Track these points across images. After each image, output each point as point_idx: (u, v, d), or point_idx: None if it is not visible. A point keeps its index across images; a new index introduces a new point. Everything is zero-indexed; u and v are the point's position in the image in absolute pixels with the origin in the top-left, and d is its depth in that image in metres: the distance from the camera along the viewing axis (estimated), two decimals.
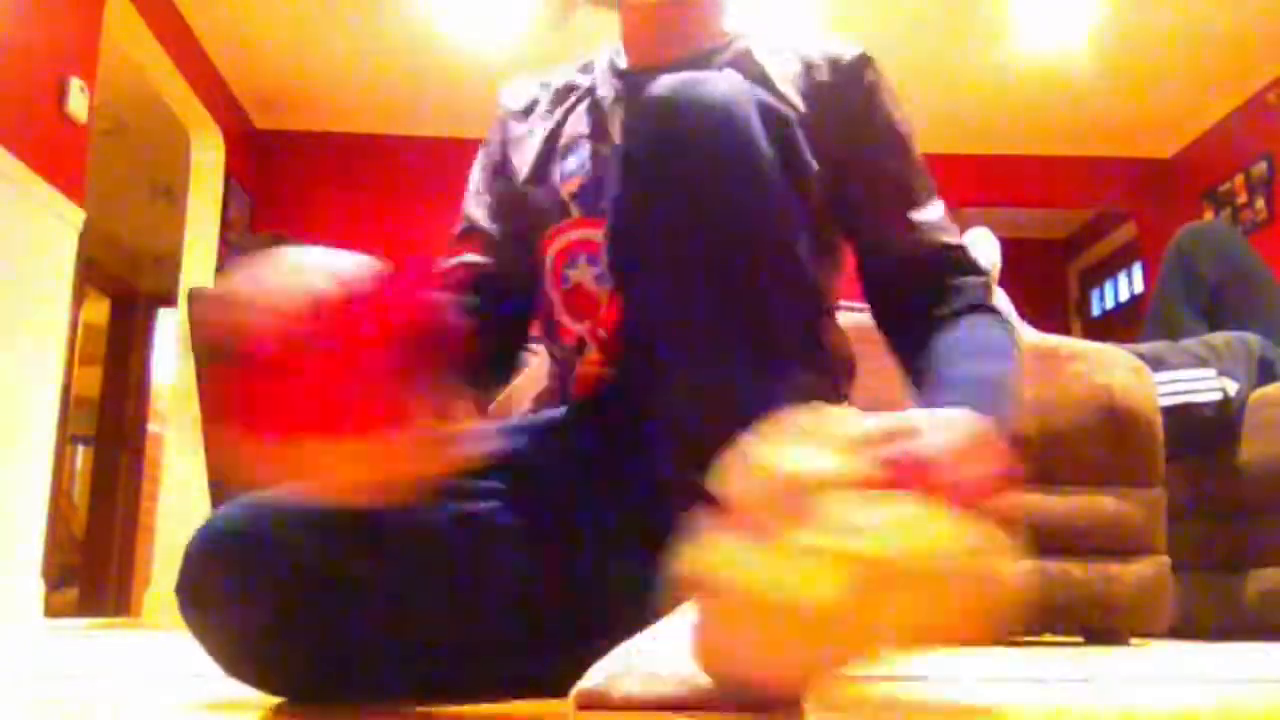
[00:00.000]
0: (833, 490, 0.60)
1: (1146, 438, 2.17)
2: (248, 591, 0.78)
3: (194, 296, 2.41)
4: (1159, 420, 2.19)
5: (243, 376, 0.63)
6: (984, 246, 2.76)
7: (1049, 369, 2.16)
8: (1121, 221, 6.48)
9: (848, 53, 0.99)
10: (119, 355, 6.95)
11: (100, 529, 6.73)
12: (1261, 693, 0.97)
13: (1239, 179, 5.38)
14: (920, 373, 0.89)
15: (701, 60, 1.01)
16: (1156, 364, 2.42)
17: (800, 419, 0.65)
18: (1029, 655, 1.65)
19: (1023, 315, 2.79)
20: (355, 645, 0.82)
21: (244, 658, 0.80)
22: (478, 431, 0.95)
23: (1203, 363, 2.51)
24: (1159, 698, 0.90)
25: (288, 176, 5.76)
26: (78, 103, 3.55)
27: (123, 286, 7.01)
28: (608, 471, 0.91)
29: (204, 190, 5.12)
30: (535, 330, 1.10)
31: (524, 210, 1.05)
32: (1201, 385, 2.47)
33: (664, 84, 0.77)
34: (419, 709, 0.79)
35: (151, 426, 7.00)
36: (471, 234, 1.08)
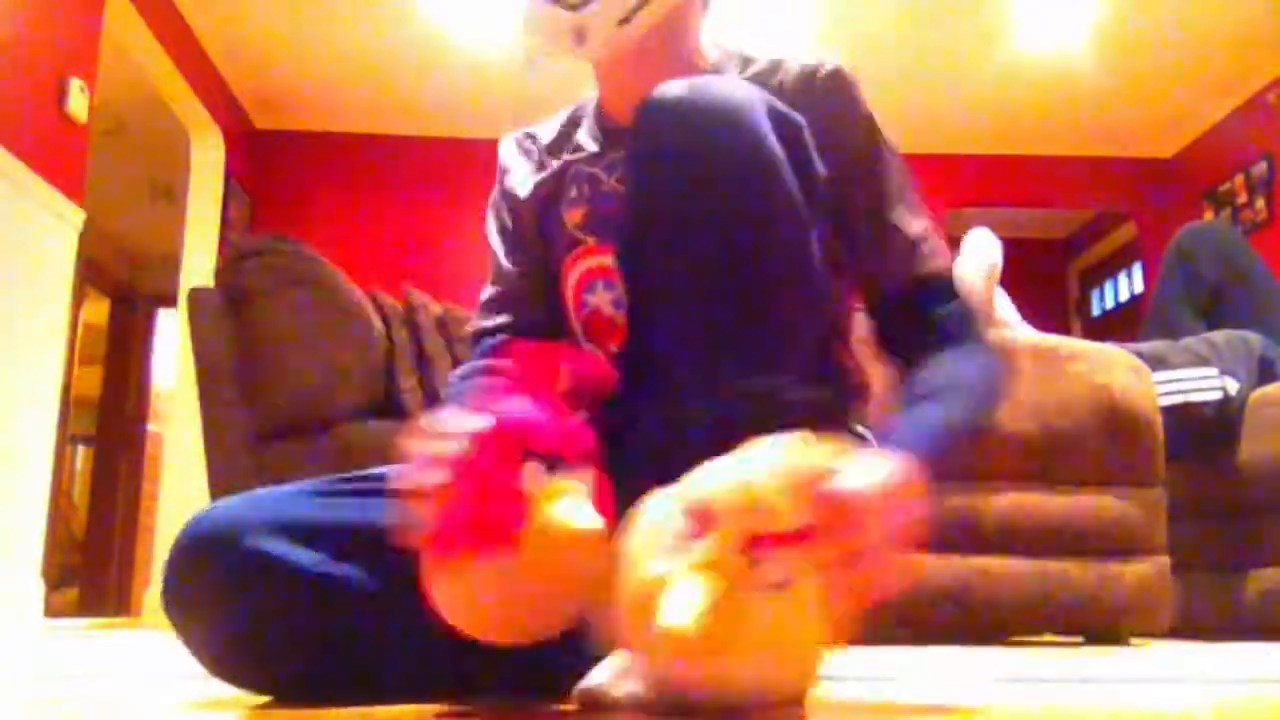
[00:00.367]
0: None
1: (1146, 438, 2.17)
2: (227, 592, 0.78)
3: (194, 296, 2.41)
4: (1159, 420, 2.19)
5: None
6: (984, 246, 2.75)
7: (1049, 369, 2.16)
8: (1121, 221, 6.48)
9: (825, 66, 0.97)
10: (119, 355, 6.95)
11: (100, 529, 6.73)
12: (1261, 693, 0.97)
13: (1239, 179, 5.38)
14: (912, 396, 0.88)
15: None
16: (1157, 363, 2.42)
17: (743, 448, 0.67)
18: (1029, 655, 1.65)
19: (1023, 315, 2.79)
20: (347, 646, 0.82)
21: (224, 658, 0.80)
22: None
23: (1204, 361, 2.51)
24: (1159, 698, 0.90)
25: (288, 176, 5.76)
26: (78, 103, 3.55)
27: (123, 286, 7.01)
28: (613, 476, 0.91)
29: (204, 190, 5.12)
30: None
31: (539, 252, 1.05)
32: (1203, 384, 2.47)
33: (675, 88, 0.77)
34: (417, 709, 0.79)
35: (151, 426, 7.00)
36: (507, 297, 1.08)
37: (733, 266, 0.75)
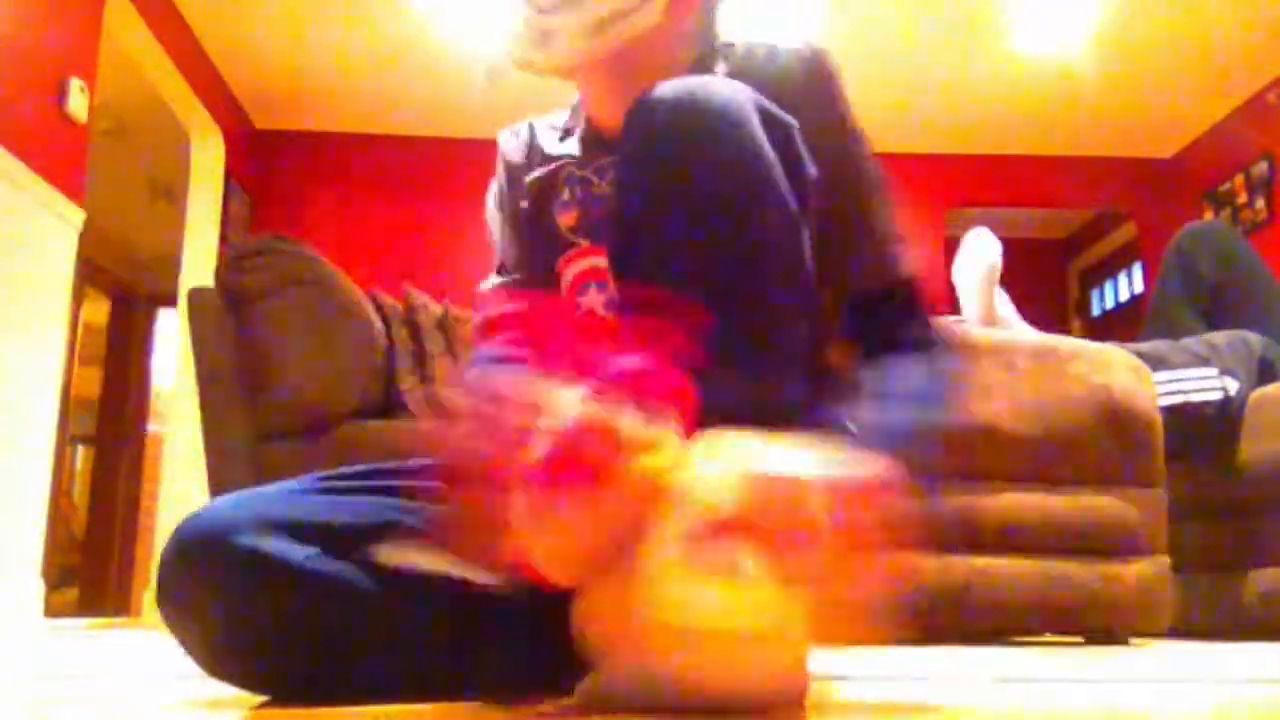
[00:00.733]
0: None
1: (1146, 438, 2.17)
2: (220, 590, 0.78)
3: (194, 296, 2.41)
4: (1159, 420, 2.19)
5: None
6: (984, 246, 2.75)
7: (1049, 369, 2.16)
8: (1121, 221, 6.48)
9: (803, 54, 0.97)
10: (119, 355, 6.95)
11: (100, 529, 6.73)
12: (1261, 693, 0.97)
13: (1239, 179, 5.38)
14: (858, 401, 0.88)
15: None
16: (1157, 363, 2.42)
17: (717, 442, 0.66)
18: (1029, 655, 1.65)
19: (1023, 315, 2.79)
20: (342, 644, 0.81)
21: (219, 657, 0.80)
22: None
23: (1204, 361, 2.51)
24: (1159, 698, 0.90)
25: (288, 176, 5.76)
26: (78, 103, 3.55)
27: (123, 286, 7.01)
28: None
29: (204, 190, 5.12)
30: None
31: (535, 247, 1.06)
32: (1203, 384, 2.47)
33: (667, 90, 0.77)
34: (413, 707, 0.79)
35: (151, 426, 7.00)
36: (517, 285, 1.08)
37: (725, 269, 0.75)
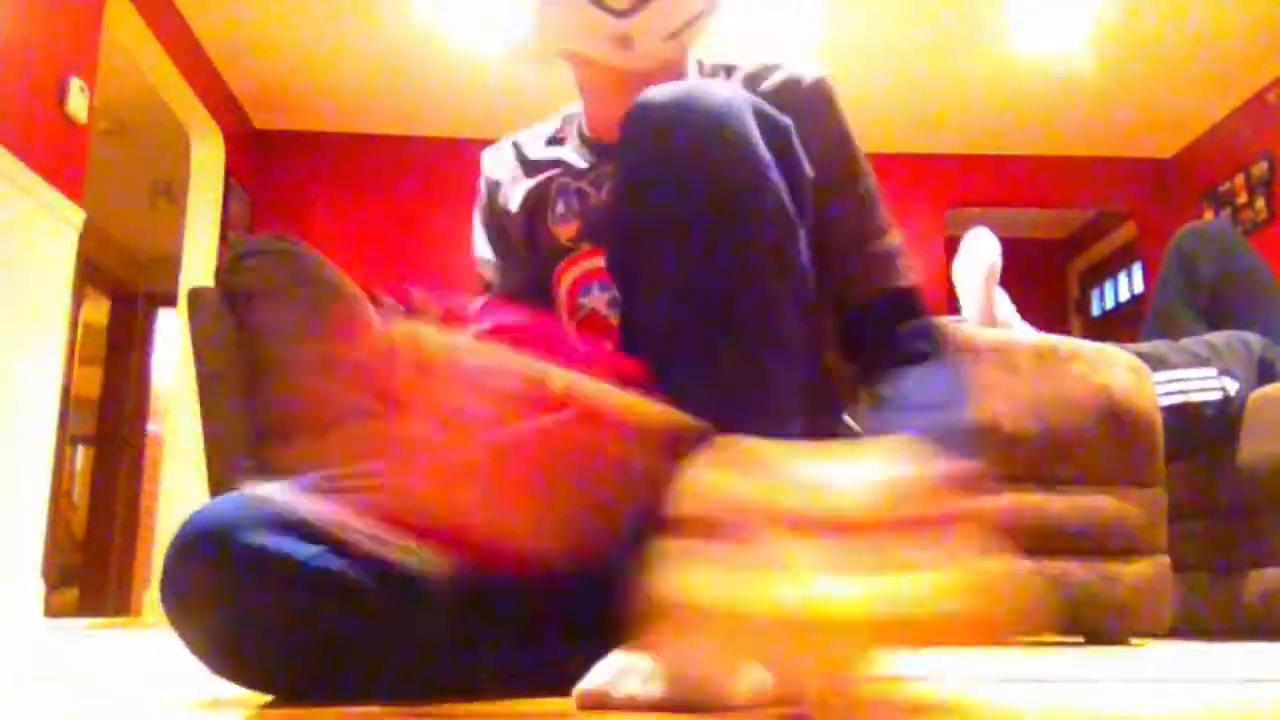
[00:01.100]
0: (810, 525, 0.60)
1: (1146, 438, 2.17)
2: (224, 588, 0.78)
3: (194, 296, 2.41)
4: (1159, 420, 2.19)
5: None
6: (983, 245, 2.75)
7: (1049, 369, 2.16)
8: (1121, 221, 6.48)
9: (806, 75, 0.97)
10: (119, 355, 6.95)
11: (100, 529, 6.73)
12: (1261, 693, 0.97)
13: (1239, 179, 5.38)
14: (880, 412, 0.89)
15: None
16: (1157, 363, 2.42)
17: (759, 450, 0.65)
18: (1029, 655, 1.65)
19: (1023, 315, 2.79)
20: (345, 642, 0.82)
21: (223, 656, 0.80)
22: None
23: (1203, 362, 2.51)
24: (1159, 698, 0.90)
25: (288, 176, 5.76)
26: (78, 103, 3.55)
27: (123, 286, 7.01)
28: None
29: (204, 190, 5.12)
30: None
31: (526, 263, 1.05)
32: (1203, 384, 2.47)
33: (662, 92, 0.77)
34: (415, 708, 0.79)
35: (151, 426, 7.00)
36: (499, 292, 1.08)
37: (722, 270, 0.75)
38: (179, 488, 4.63)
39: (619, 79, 0.99)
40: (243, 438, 2.25)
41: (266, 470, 2.19)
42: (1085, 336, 2.61)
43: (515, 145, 1.10)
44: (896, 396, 0.88)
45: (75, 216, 3.49)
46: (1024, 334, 2.50)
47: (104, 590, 6.61)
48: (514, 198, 1.07)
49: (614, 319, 0.98)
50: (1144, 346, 2.55)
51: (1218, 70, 5.13)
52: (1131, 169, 6.06)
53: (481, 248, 1.10)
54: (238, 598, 0.78)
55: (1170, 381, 2.44)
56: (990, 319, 2.68)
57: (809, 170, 0.81)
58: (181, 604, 0.79)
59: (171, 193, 5.87)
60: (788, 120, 0.80)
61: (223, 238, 5.11)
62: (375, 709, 0.74)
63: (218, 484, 2.25)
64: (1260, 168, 5.22)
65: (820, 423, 0.84)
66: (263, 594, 0.78)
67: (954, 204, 5.84)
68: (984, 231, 2.81)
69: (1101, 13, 4.71)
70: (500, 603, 0.86)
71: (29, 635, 2.42)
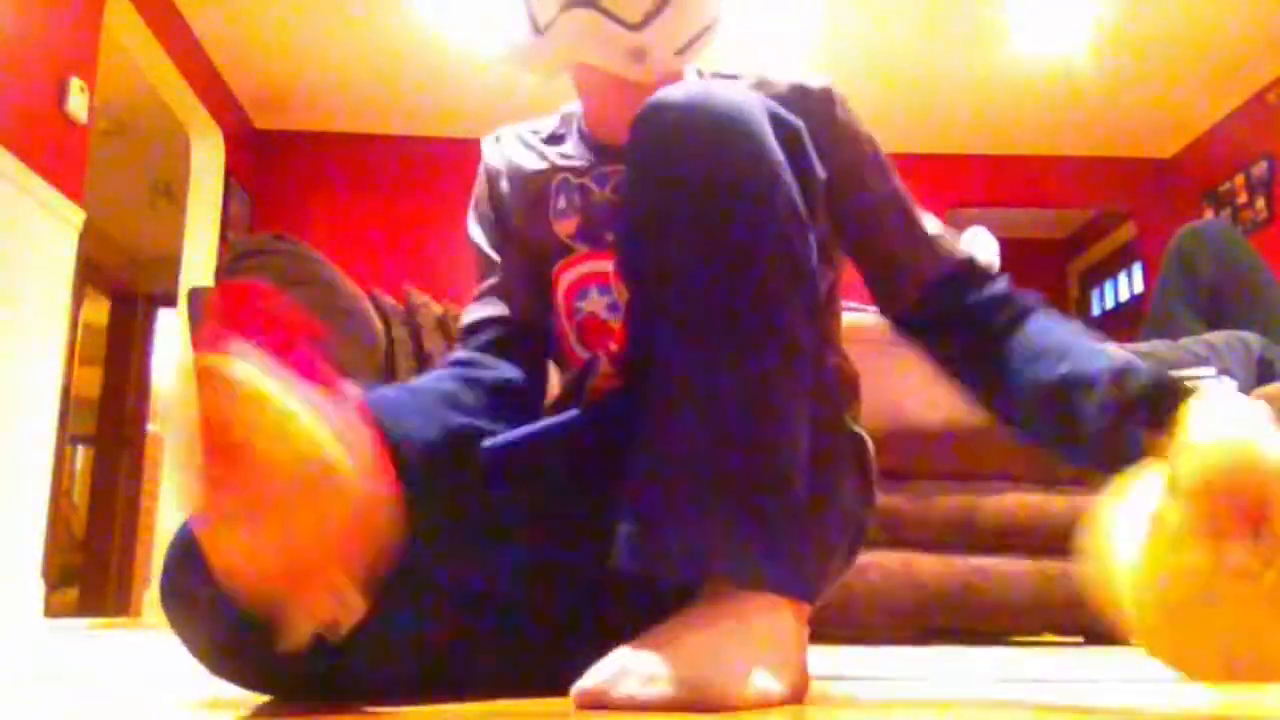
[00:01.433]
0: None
1: None
2: (222, 591, 0.78)
3: (194, 296, 2.41)
4: None
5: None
6: (982, 246, 2.76)
7: None
8: (1121, 221, 6.48)
9: (812, 83, 0.98)
10: (119, 355, 6.95)
11: (100, 529, 6.73)
12: (1261, 693, 0.97)
13: (1239, 179, 5.38)
14: (1035, 377, 0.88)
15: None
16: (1156, 363, 2.42)
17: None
18: (1029, 655, 1.66)
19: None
20: (342, 644, 0.81)
21: (223, 657, 0.80)
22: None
23: (1202, 361, 2.51)
24: (1159, 698, 0.90)
25: (288, 176, 5.77)
26: (78, 103, 3.56)
27: (123, 286, 7.01)
28: (612, 473, 0.91)
29: (204, 190, 5.12)
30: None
31: (525, 254, 1.05)
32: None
33: (673, 92, 0.77)
34: (414, 707, 0.79)
35: (151, 426, 7.00)
36: (491, 281, 1.08)
37: (733, 269, 0.75)
38: None
39: (622, 85, 0.99)
40: None
41: None
42: None
43: (517, 136, 1.10)
44: (1067, 346, 0.88)
45: (75, 216, 3.49)
46: None
47: (104, 590, 6.62)
48: (514, 187, 1.07)
49: (613, 323, 0.98)
50: (1143, 346, 2.55)
51: (1218, 70, 5.14)
52: (1131, 169, 6.06)
53: (477, 236, 1.10)
54: (237, 600, 0.78)
55: None
56: None
57: (821, 173, 0.81)
58: (181, 605, 0.79)
59: (171, 193, 5.87)
60: (799, 122, 0.80)
61: (223, 238, 5.11)
62: (375, 709, 0.75)
63: None
64: (1260, 168, 5.22)
65: (823, 423, 0.84)
66: None
67: (954, 204, 5.84)
68: (980, 230, 2.81)
69: (1101, 13, 4.71)
70: (500, 603, 0.86)
71: (29, 635, 2.42)
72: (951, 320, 0.96)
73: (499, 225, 1.08)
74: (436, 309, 2.60)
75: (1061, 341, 0.89)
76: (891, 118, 5.51)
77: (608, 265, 0.97)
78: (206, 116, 5.02)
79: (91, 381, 6.75)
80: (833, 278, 1.03)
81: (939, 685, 1.03)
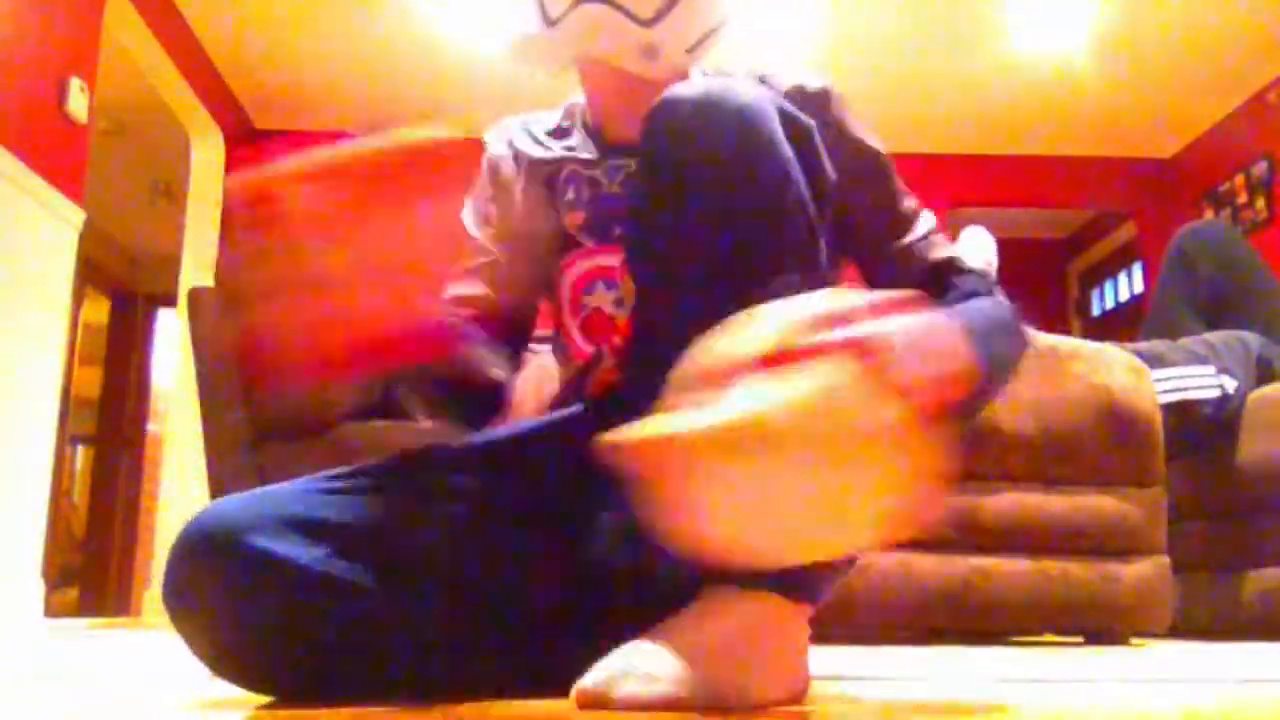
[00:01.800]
0: (750, 367, 0.64)
1: (1146, 438, 2.17)
2: (228, 590, 0.78)
3: (194, 296, 2.41)
4: (1159, 420, 2.20)
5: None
6: (981, 246, 2.76)
7: (1049, 369, 2.16)
8: (1121, 221, 6.48)
9: (811, 84, 0.98)
10: (119, 355, 6.95)
11: (100, 529, 6.73)
12: (1261, 693, 0.97)
13: (1239, 179, 5.38)
14: None
15: None
16: (1156, 362, 2.42)
17: (768, 307, 0.68)
18: (1029, 655, 1.66)
19: (1023, 315, 2.78)
20: (348, 644, 0.81)
21: (225, 657, 0.80)
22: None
23: (1202, 360, 2.51)
24: (1159, 698, 0.90)
25: None
26: (78, 103, 3.55)
27: (123, 286, 7.01)
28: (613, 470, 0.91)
29: (204, 190, 5.12)
30: (538, 329, 1.10)
31: (526, 245, 1.05)
32: (1201, 382, 2.47)
33: (686, 89, 0.77)
34: (414, 707, 0.79)
35: (151, 426, 7.00)
36: (480, 261, 1.07)
37: (744, 268, 0.75)
38: (179, 488, 4.63)
39: (629, 82, 0.99)
40: (243, 438, 2.25)
41: (267, 470, 2.19)
42: (1085, 337, 2.61)
43: (523, 128, 1.10)
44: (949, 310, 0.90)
45: (75, 216, 3.49)
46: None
47: (104, 590, 6.62)
48: (523, 174, 1.07)
49: (619, 318, 0.98)
50: (1143, 345, 2.55)
51: (1218, 70, 5.13)
52: (1131, 169, 6.06)
53: (468, 220, 1.10)
54: (240, 599, 0.78)
55: (1169, 379, 2.44)
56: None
57: (831, 172, 0.81)
58: (184, 605, 0.79)
59: (171, 193, 5.87)
60: (810, 121, 0.80)
61: (223, 237, 5.11)
62: (375, 709, 0.75)
63: (218, 484, 2.25)
64: (1260, 168, 5.22)
65: None
66: (265, 596, 0.78)
67: (954, 204, 5.83)
68: (979, 230, 2.81)
69: (1101, 12, 4.71)
70: (500, 603, 0.86)
71: (29, 635, 2.42)
72: None
73: (495, 215, 1.08)
74: None
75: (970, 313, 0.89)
76: (891, 118, 5.51)
77: (615, 260, 0.97)
78: (206, 116, 5.02)
79: (91, 381, 6.75)
80: (834, 277, 1.03)
81: (939, 685, 1.03)
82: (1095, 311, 7.11)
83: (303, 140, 0.70)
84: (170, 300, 5.43)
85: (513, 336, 1.05)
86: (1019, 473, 2.13)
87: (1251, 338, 2.59)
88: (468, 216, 1.10)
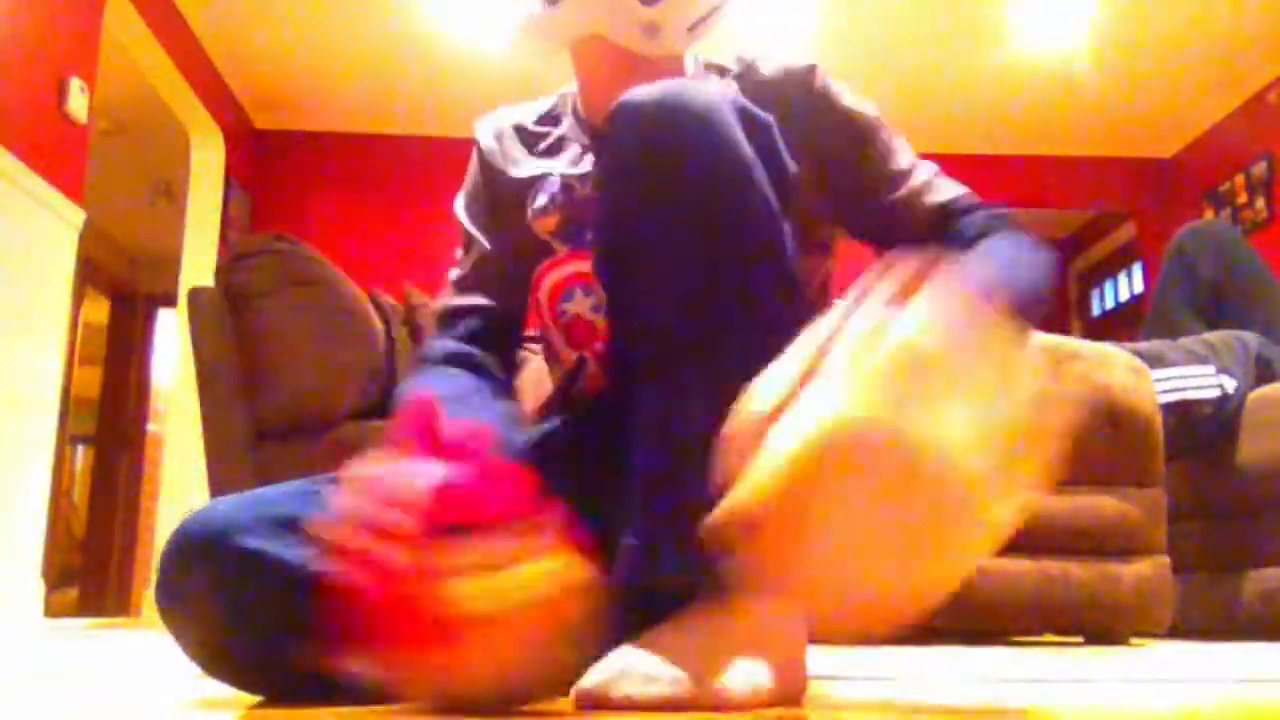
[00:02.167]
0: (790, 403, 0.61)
1: (1146, 438, 2.17)
2: (219, 590, 0.78)
3: (194, 296, 2.41)
4: (1159, 420, 2.19)
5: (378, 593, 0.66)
6: None
7: (1049, 369, 2.16)
8: (1121, 221, 6.48)
9: (796, 63, 1.00)
10: (119, 355, 6.95)
11: (100, 529, 6.73)
12: (1261, 693, 0.97)
13: (1239, 179, 5.38)
14: None
15: None
16: (1155, 361, 2.42)
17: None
18: (1029, 655, 1.66)
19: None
20: (341, 645, 0.81)
21: (218, 657, 0.80)
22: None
23: (1201, 359, 2.51)
24: (1159, 698, 0.90)
25: (288, 176, 5.76)
26: (78, 103, 3.55)
27: (123, 286, 7.01)
28: (606, 471, 0.91)
29: (204, 190, 5.12)
30: (532, 330, 1.10)
31: (508, 246, 1.05)
32: (1201, 381, 2.47)
33: (644, 93, 0.77)
34: (416, 708, 0.79)
35: (151, 426, 7.00)
36: (474, 258, 1.07)
37: (712, 267, 0.75)
38: (179, 488, 4.63)
39: (626, 63, 0.99)
40: (243, 438, 2.25)
41: (267, 470, 2.19)
42: (1085, 336, 2.60)
43: (513, 126, 1.10)
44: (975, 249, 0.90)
45: (75, 216, 3.49)
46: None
47: (104, 590, 6.61)
48: (500, 175, 1.07)
49: (599, 324, 0.98)
50: (1143, 345, 2.55)
51: (1218, 70, 5.13)
52: (1131, 169, 6.06)
53: (463, 215, 1.10)
54: (231, 599, 0.78)
55: (1168, 379, 2.44)
56: None
57: (792, 167, 0.82)
58: (176, 605, 0.79)
59: (171, 193, 5.87)
60: (769, 117, 0.80)
61: (223, 238, 5.11)
62: (371, 710, 0.74)
63: (217, 484, 2.25)
64: (1260, 168, 5.22)
65: None
66: (258, 596, 0.78)
67: None
68: None
69: (1102, 13, 4.71)
70: None
71: (29, 635, 2.42)
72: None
73: (490, 208, 1.08)
74: (437, 309, 2.60)
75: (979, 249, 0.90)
76: (892, 118, 5.49)
77: (588, 266, 0.97)
78: (206, 116, 5.02)
79: (91, 381, 6.75)
80: (828, 268, 1.04)
81: (939, 685, 1.03)
82: (1095, 311, 7.11)
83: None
84: (170, 300, 5.43)
85: (509, 341, 1.05)
86: None
87: (1251, 338, 2.59)
88: (461, 208, 1.10)
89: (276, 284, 2.26)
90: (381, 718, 0.70)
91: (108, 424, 6.87)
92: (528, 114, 1.10)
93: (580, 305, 0.99)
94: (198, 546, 0.78)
